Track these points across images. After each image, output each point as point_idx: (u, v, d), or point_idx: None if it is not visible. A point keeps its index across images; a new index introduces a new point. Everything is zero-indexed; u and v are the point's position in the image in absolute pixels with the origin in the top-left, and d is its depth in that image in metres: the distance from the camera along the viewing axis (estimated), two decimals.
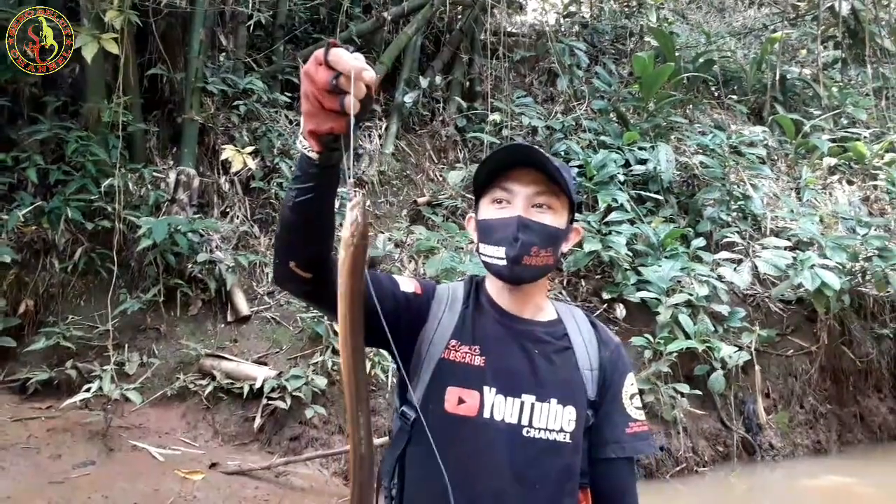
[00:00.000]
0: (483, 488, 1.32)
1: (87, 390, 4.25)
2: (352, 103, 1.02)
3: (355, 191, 1.08)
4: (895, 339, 6.34)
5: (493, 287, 1.50)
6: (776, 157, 8.46)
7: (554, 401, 1.38)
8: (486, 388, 1.36)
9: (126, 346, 4.95)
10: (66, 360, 4.72)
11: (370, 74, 1.02)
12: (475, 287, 1.53)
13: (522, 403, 1.37)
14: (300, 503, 4.18)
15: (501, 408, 1.36)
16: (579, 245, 6.10)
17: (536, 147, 1.40)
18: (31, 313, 4.93)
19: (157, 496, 3.81)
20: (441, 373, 1.38)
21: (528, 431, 1.36)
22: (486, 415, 1.35)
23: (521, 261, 1.38)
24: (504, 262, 1.39)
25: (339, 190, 1.20)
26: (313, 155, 1.11)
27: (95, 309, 4.98)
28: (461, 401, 1.35)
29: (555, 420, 1.37)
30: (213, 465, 4.27)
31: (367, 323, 1.12)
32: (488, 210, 1.44)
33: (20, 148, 5.20)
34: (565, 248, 1.48)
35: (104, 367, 4.48)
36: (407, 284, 1.44)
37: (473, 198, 1.54)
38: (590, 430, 1.44)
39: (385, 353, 3.86)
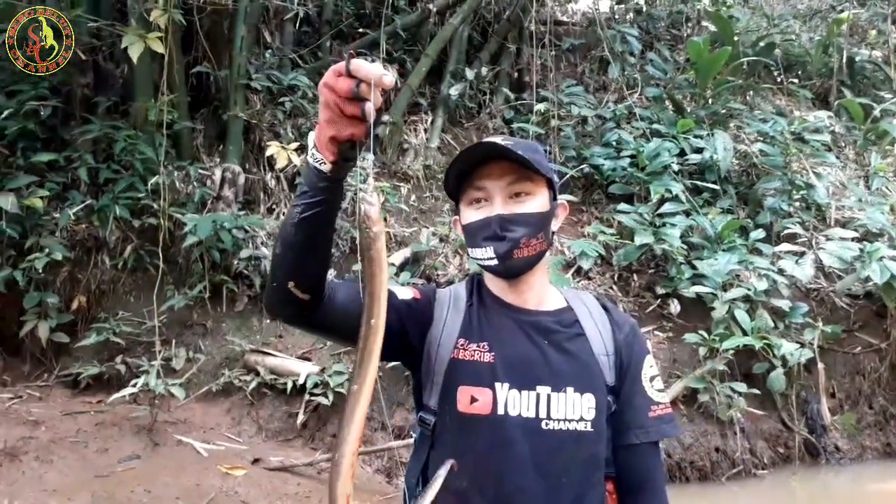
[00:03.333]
0: (506, 486, 1.30)
1: (134, 385, 4.31)
2: (372, 110, 1.07)
3: (371, 188, 1.12)
4: None
5: (494, 283, 1.47)
6: (843, 144, 8.03)
7: (570, 389, 1.34)
8: (497, 385, 1.34)
9: (173, 341, 5.03)
10: (116, 356, 4.84)
11: (389, 79, 1.07)
12: (477, 285, 1.50)
13: (538, 396, 1.33)
14: None
15: (517, 402, 1.33)
16: (630, 238, 5.91)
17: (497, 141, 1.35)
18: (84, 309, 5.06)
19: (199, 491, 3.84)
20: (452, 373, 1.36)
21: (546, 424, 1.32)
22: (501, 411, 1.32)
23: (513, 255, 1.36)
24: (495, 262, 1.37)
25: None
26: (325, 167, 1.13)
27: (144, 305, 5.06)
28: (473, 399, 1.34)
29: (573, 409, 1.33)
30: (255, 461, 4.29)
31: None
32: (468, 212, 1.41)
33: (73, 148, 5.33)
34: (555, 226, 1.45)
35: (152, 363, 4.54)
36: (404, 293, 1.43)
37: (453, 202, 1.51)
38: (612, 417, 1.39)
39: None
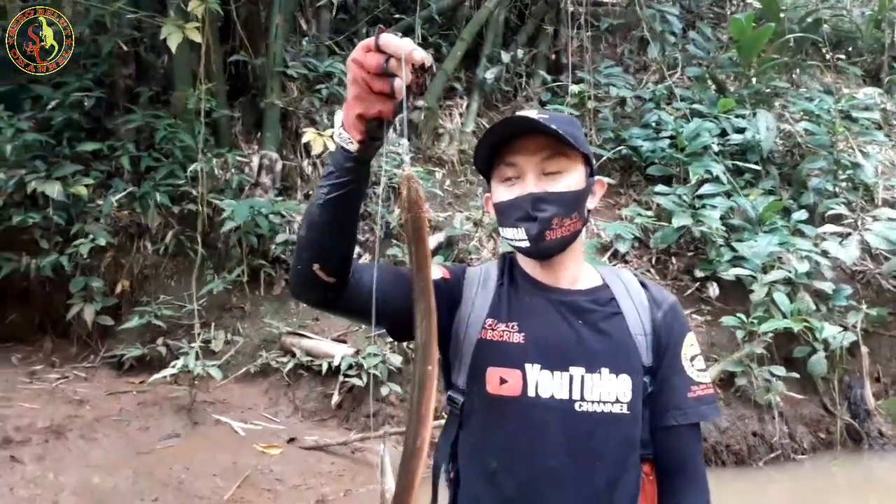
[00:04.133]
0: (536, 469, 1.27)
1: (174, 366, 4.45)
2: (403, 85, 1.04)
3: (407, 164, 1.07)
4: None
5: (526, 261, 1.42)
6: (895, 122, 7.73)
7: (605, 371, 1.30)
8: (528, 366, 1.30)
9: (212, 324, 5.16)
10: (158, 338, 5.00)
11: (420, 54, 1.03)
12: (509, 264, 1.45)
13: (571, 377, 1.29)
14: (375, 479, 4.22)
15: (548, 384, 1.29)
16: (668, 220, 5.82)
17: (532, 114, 1.29)
18: (127, 293, 5.24)
19: (236, 469, 3.96)
20: (480, 354, 1.33)
21: (580, 406, 1.28)
22: (532, 393, 1.28)
23: (545, 237, 1.31)
24: (527, 243, 1.32)
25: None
26: (352, 147, 1.11)
27: (185, 289, 5.19)
28: (503, 381, 1.30)
29: (608, 391, 1.29)
30: (291, 440, 4.39)
31: (397, 319, 1.21)
32: (500, 190, 1.36)
33: (116, 137, 5.50)
34: (591, 204, 1.39)
35: (191, 345, 4.67)
36: (433, 272, 1.36)
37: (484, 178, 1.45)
38: (650, 398, 1.35)
39: None
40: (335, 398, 4.76)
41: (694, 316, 5.50)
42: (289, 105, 6.10)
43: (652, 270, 5.87)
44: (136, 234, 5.34)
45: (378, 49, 1.04)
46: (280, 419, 4.67)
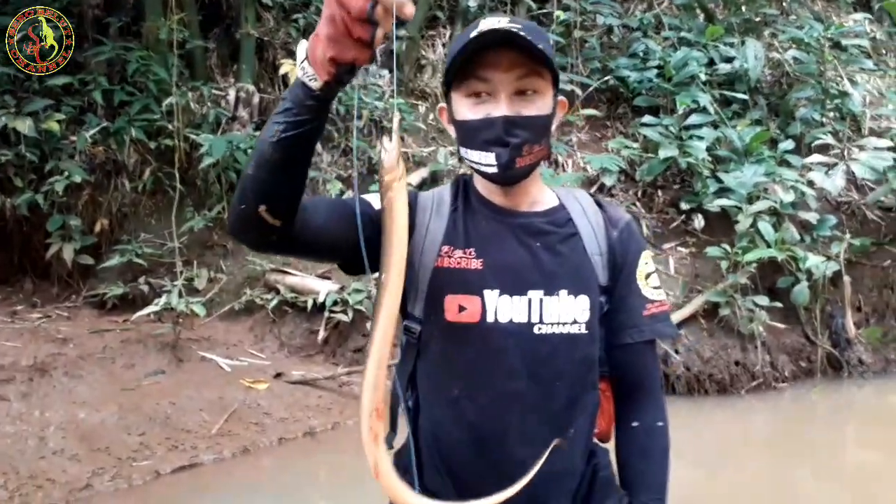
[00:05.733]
0: (497, 393, 1.27)
1: (157, 304, 4.41)
2: (394, 37, 0.98)
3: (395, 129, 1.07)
4: None
5: (484, 185, 1.37)
6: (885, 51, 7.64)
7: (564, 292, 1.28)
8: (486, 292, 1.27)
9: (195, 262, 5.11)
10: (140, 276, 4.95)
11: (411, 9, 0.96)
12: (463, 187, 1.40)
13: (530, 300, 1.27)
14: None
15: (507, 309, 1.27)
16: (654, 152, 5.76)
17: (513, 27, 1.19)
18: (107, 232, 5.16)
19: (222, 403, 3.98)
20: (437, 282, 1.29)
21: (539, 328, 1.27)
22: (490, 319, 1.27)
23: (515, 164, 1.25)
24: (495, 169, 1.26)
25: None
26: (315, 85, 1.02)
27: (165, 227, 5.12)
28: (462, 308, 1.27)
29: (567, 312, 1.28)
30: (277, 376, 4.41)
31: (347, 252, 1.16)
32: (465, 106, 1.26)
33: (87, 70, 5.31)
34: (554, 126, 1.32)
35: (174, 283, 4.62)
36: (373, 203, 1.30)
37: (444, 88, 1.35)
38: (605, 317, 1.35)
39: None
40: (321, 334, 4.76)
41: (679, 248, 5.51)
42: (265, 36, 5.91)
43: (638, 204, 5.86)
44: (112, 172, 5.21)
45: None
46: (266, 355, 4.68)
